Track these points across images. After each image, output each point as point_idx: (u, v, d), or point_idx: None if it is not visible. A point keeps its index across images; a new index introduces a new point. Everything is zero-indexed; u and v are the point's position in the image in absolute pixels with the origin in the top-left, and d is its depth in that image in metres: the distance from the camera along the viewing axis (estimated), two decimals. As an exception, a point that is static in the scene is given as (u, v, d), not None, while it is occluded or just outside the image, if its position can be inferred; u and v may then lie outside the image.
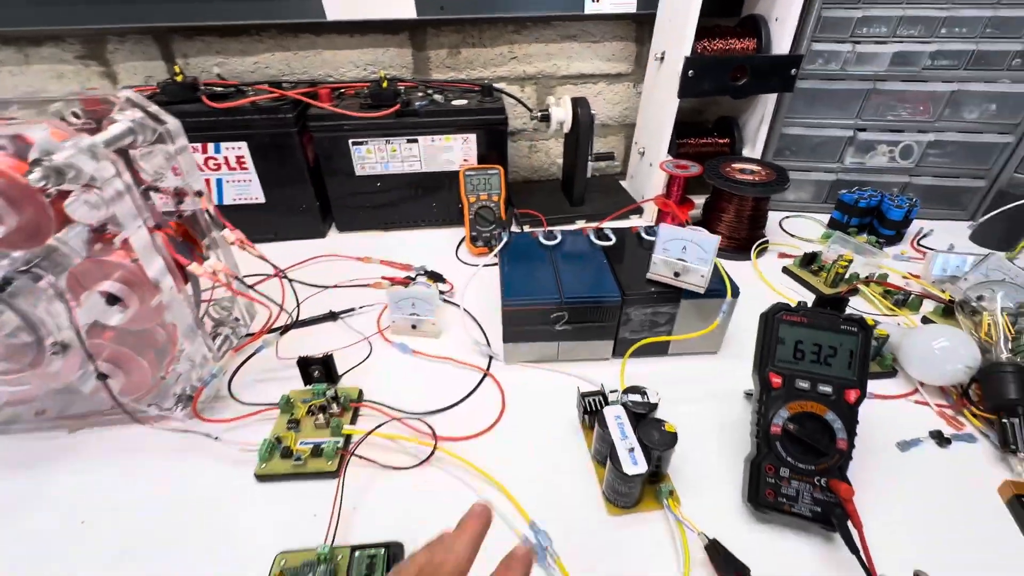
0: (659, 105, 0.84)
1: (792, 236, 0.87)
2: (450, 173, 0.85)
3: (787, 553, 0.42)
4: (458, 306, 0.69)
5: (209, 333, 0.55)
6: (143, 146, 0.47)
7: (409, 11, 0.83)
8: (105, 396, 0.51)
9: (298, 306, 0.62)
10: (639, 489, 0.44)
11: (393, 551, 0.40)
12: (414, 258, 0.79)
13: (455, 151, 0.83)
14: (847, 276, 0.72)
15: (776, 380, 0.44)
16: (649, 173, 0.89)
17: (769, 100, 0.83)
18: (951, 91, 0.80)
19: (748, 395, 0.56)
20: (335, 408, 0.52)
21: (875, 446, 0.50)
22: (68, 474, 0.49)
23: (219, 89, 0.79)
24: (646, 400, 0.48)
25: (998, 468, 0.48)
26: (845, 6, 0.76)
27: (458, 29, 0.90)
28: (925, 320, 0.66)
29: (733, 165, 0.81)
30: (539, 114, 0.85)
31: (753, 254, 0.80)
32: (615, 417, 0.45)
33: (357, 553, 0.39)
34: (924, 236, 0.86)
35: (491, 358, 0.61)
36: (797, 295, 0.73)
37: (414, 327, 0.65)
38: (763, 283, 0.75)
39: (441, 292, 0.70)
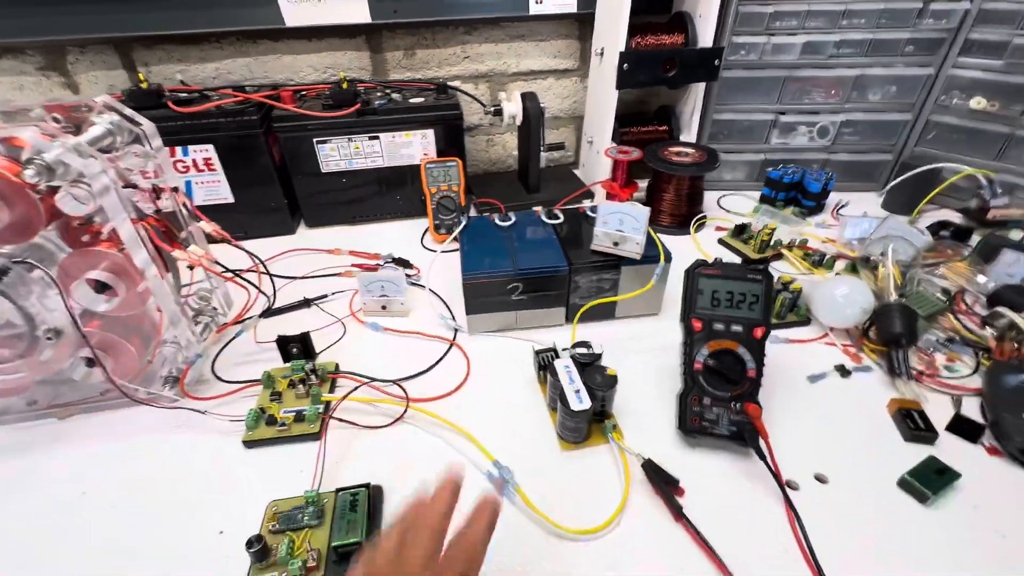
0: (602, 97, 0.91)
1: (729, 212, 0.96)
2: (412, 167, 0.90)
3: (713, 468, 0.49)
4: (424, 287, 0.74)
5: (191, 320, 0.59)
6: (121, 146, 0.51)
7: (364, 16, 0.88)
8: (95, 382, 0.54)
9: (275, 292, 0.66)
10: (586, 425, 0.51)
11: (373, 491, 0.46)
12: (382, 248, 0.84)
13: (415, 146, 0.89)
14: (772, 243, 0.81)
15: (697, 325, 0.52)
16: (598, 160, 0.97)
17: (699, 89, 0.91)
18: (856, 76, 0.90)
19: (684, 347, 0.63)
20: (314, 379, 0.57)
21: (790, 381, 0.58)
22: (65, 454, 0.52)
23: (184, 95, 0.82)
24: (591, 351, 0.55)
25: (887, 391, 0.57)
26: (759, 2, 0.85)
27: (412, 32, 0.95)
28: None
29: (670, 149, 0.89)
30: (492, 109, 0.92)
31: (692, 228, 0.89)
32: (564, 367, 0.52)
33: (341, 493, 0.45)
34: (843, 206, 0.96)
35: (456, 330, 0.67)
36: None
37: (384, 308, 0.71)
38: (701, 254, 0.83)
39: (408, 275, 0.75)
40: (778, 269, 0.78)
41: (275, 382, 0.58)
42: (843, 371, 0.60)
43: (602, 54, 0.89)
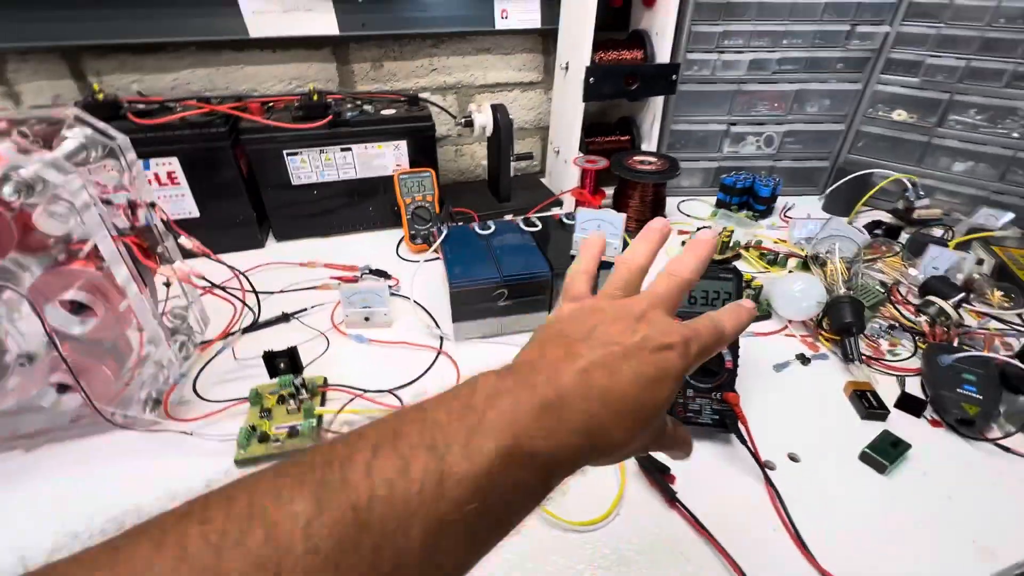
0: (568, 108, 0.95)
1: (688, 216, 1.02)
2: (384, 178, 0.90)
3: (700, 456, 0.52)
4: (408, 298, 0.74)
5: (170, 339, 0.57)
6: (95, 161, 0.49)
7: (332, 28, 0.88)
8: (64, 410, 0.52)
9: (259, 306, 0.65)
10: (580, 423, 0.53)
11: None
12: (355, 260, 0.83)
13: (387, 157, 0.89)
14: (731, 244, 0.87)
15: (677, 322, 0.55)
16: (564, 169, 1.00)
17: (658, 102, 0.97)
18: (796, 90, 0.99)
19: (661, 344, 0.67)
20: (304, 394, 0.57)
21: (757, 370, 0.63)
22: (35, 490, 0.49)
23: (142, 106, 0.79)
24: (579, 352, 0.57)
25: (843, 375, 0.63)
26: (709, 23, 0.92)
27: (379, 44, 0.96)
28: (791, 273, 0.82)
29: (635, 158, 0.94)
30: (463, 120, 0.94)
31: (657, 233, 0.94)
32: (556, 367, 0.54)
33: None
34: (789, 209, 1.04)
35: (442, 338, 0.68)
36: (694, 263, 0.86)
37: (367, 319, 0.70)
38: (667, 256, 0.88)
39: (388, 287, 0.75)
40: (739, 268, 0.84)
41: (263, 398, 0.57)
42: (803, 359, 0.65)
43: (567, 68, 0.93)
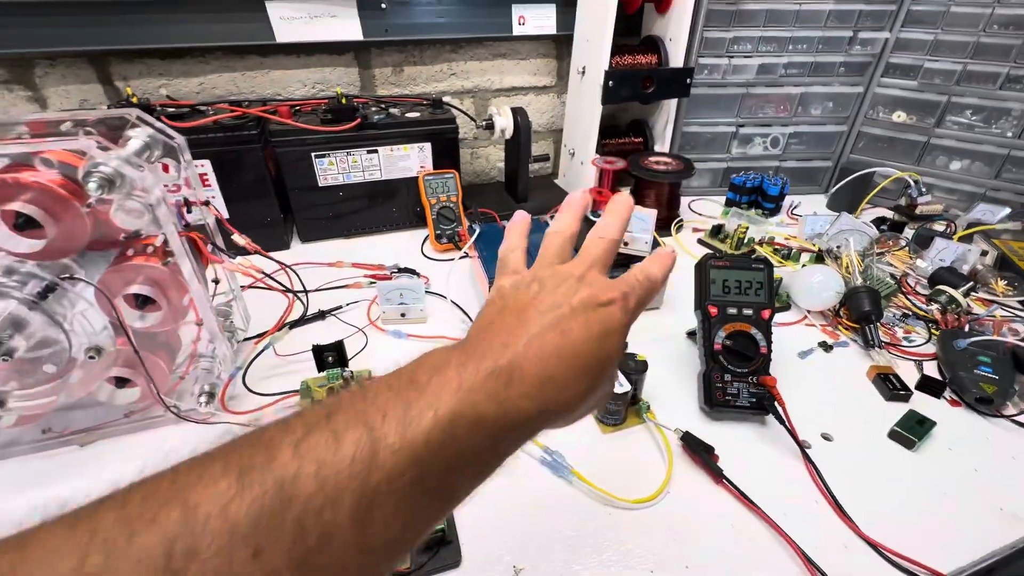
0: (585, 111, 0.98)
1: (700, 215, 1.06)
2: (407, 179, 0.92)
3: (738, 436, 0.56)
4: (444, 296, 0.76)
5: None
6: (156, 160, 0.50)
7: (356, 33, 0.90)
8: (120, 404, 0.53)
9: (307, 302, 0.66)
10: (624, 408, 0.55)
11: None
12: (381, 259, 0.85)
13: (412, 159, 0.91)
14: (746, 240, 0.90)
15: (713, 310, 0.58)
16: (581, 170, 1.03)
17: (671, 104, 1.00)
18: (800, 93, 1.03)
19: (689, 335, 0.70)
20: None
21: (784, 358, 0.66)
22: (95, 483, 0.50)
23: (173, 110, 0.80)
24: (619, 341, 0.60)
25: (865, 360, 0.66)
26: (720, 29, 0.95)
27: (400, 49, 0.98)
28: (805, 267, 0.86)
29: (650, 159, 0.97)
30: (484, 123, 0.96)
31: (673, 230, 0.97)
32: (599, 355, 0.56)
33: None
34: (796, 207, 1.08)
35: (479, 332, 0.70)
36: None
37: (403, 315, 0.72)
38: (686, 252, 0.91)
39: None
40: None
41: (312, 391, 0.58)
42: (826, 347, 0.68)
43: (583, 72, 0.96)
